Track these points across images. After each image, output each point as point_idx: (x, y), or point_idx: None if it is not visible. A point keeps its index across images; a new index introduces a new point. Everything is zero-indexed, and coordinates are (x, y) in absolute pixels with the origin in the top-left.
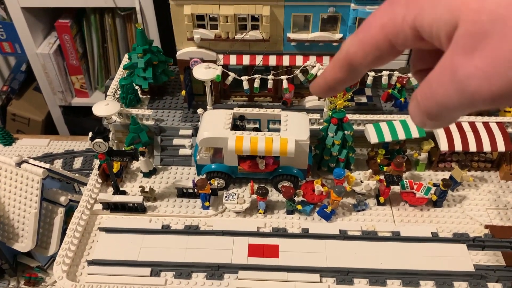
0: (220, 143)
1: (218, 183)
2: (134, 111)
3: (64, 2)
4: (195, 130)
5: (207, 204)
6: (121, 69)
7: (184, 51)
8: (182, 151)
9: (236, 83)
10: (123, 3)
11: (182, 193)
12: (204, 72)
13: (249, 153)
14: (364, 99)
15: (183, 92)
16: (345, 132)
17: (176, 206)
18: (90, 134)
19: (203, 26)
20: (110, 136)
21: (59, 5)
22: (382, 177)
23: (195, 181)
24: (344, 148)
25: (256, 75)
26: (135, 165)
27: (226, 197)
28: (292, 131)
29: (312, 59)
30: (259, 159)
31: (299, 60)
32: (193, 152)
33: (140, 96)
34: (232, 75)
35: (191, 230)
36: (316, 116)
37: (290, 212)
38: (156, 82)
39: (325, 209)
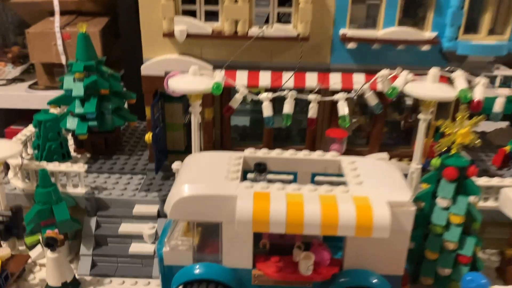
0: (219, 209)
1: None
2: (50, 166)
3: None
4: (164, 203)
5: None
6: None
7: (155, 60)
8: (135, 248)
9: (245, 130)
10: None
11: None
12: (190, 82)
13: (283, 230)
14: None
15: (148, 137)
16: (470, 198)
17: None
18: None
19: (193, 14)
20: None
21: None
22: None
23: None
24: (468, 233)
25: (285, 91)
26: (37, 274)
27: None
28: (376, 185)
29: (384, 72)
30: (298, 250)
31: (358, 79)
32: (157, 247)
33: (73, 152)
34: (242, 90)
35: None
36: None
37: None
38: (103, 127)
39: None
